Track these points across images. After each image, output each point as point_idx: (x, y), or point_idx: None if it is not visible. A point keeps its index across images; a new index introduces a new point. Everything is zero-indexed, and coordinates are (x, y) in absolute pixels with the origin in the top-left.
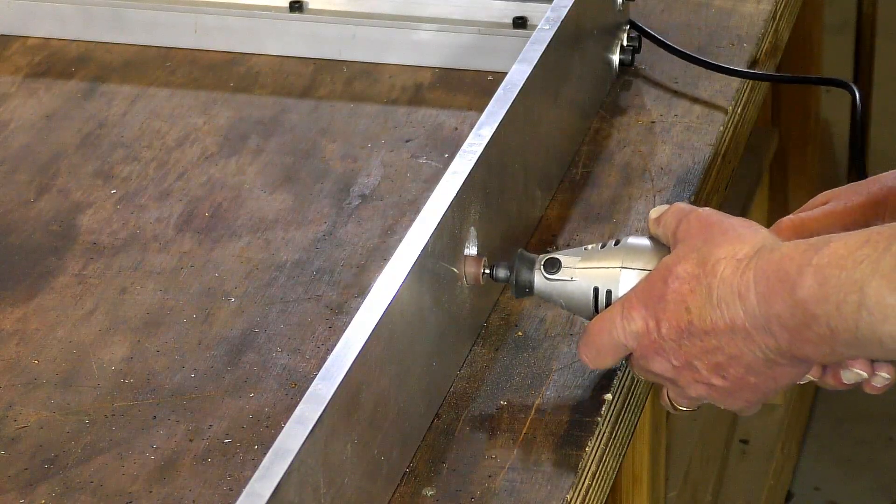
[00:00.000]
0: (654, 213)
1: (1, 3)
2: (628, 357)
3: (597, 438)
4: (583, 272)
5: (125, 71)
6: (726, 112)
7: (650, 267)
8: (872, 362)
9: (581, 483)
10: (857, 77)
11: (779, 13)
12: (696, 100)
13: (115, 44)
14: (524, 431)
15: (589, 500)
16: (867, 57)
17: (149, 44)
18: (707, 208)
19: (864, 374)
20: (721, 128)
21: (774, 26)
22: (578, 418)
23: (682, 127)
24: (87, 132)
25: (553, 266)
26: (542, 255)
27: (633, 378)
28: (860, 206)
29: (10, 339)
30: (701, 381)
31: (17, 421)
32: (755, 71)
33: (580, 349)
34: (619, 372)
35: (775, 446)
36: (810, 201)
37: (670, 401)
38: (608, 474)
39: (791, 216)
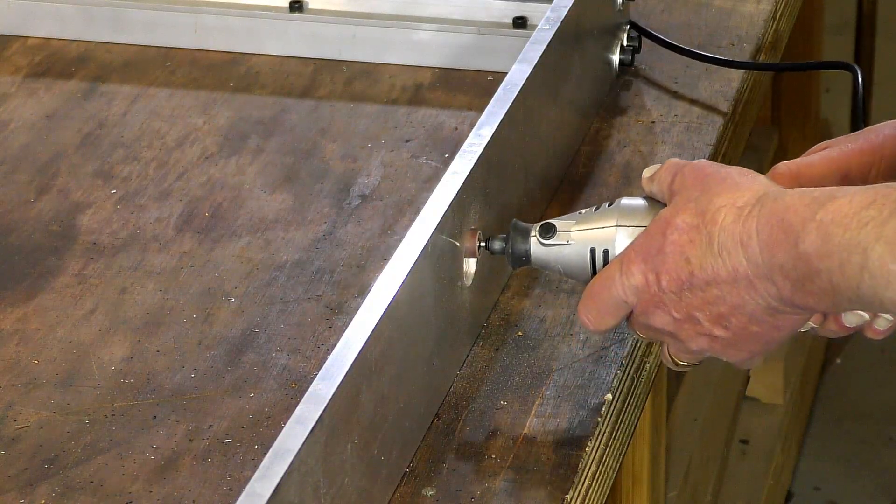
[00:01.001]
0: (647, 172)
1: (1, 3)
2: (628, 317)
3: (597, 438)
4: (579, 234)
5: (125, 71)
6: (726, 112)
7: (646, 223)
8: None
9: (581, 483)
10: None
11: (779, 13)
12: (695, 100)
13: (115, 44)
14: (524, 431)
15: (589, 500)
16: (867, 57)
17: (149, 44)
18: (702, 160)
19: (867, 317)
20: (721, 128)
21: (774, 26)
22: (578, 418)
23: (682, 127)
24: (87, 132)
25: (548, 231)
26: (536, 223)
27: (633, 378)
28: (856, 151)
29: (10, 339)
30: (703, 333)
31: (17, 421)
32: (755, 61)
33: (580, 311)
34: (619, 372)
35: (775, 446)
36: (808, 150)
37: (671, 357)
38: (608, 474)
39: (787, 162)
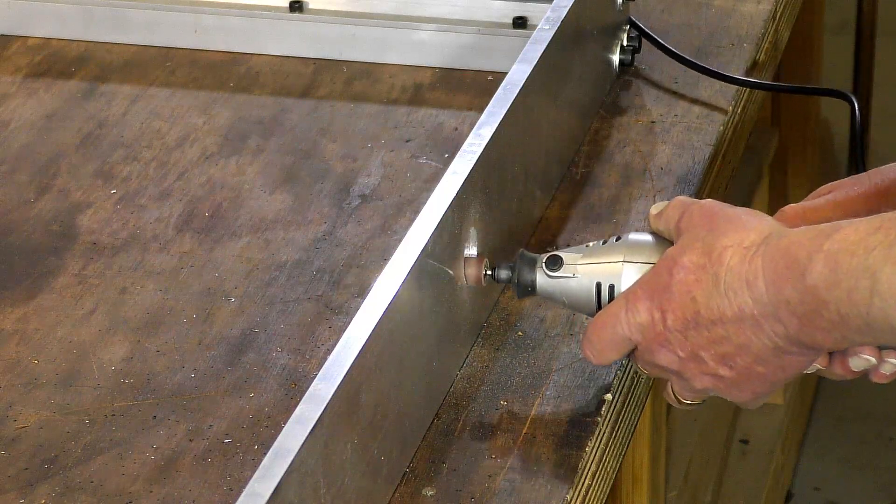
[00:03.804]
0: (654, 209)
1: (1, 3)
2: (631, 352)
3: (597, 438)
4: (585, 268)
5: (125, 71)
6: (726, 112)
7: (652, 260)
8: (881, 349)
9: (581, 483)
10: (857, 78)
11: (779, 13)
12: (695, 100)
13: (115, 44)
14: (524, 431)
15: (589, 500)
16: (867, 58)
17: (149, 44)
18: (709, 200)
19: (873, 360)
20: (721, 128)
21: (774, 26)
22: (578, 418)
23: (682, 127)
24: (87, 132)
25: (555, 263)
26: (543, 254)
27: (633, 378)
28: (862, 195)
29: (10, 339)
30: (707, 373)
31: (17, 421)
32: (751, 79)
33: (583, 346)
34: (619, 372)
35: (775, 446)
36: (813, 192)
37: (675, 395)
38: (608, 474)
39: (793, 205)
